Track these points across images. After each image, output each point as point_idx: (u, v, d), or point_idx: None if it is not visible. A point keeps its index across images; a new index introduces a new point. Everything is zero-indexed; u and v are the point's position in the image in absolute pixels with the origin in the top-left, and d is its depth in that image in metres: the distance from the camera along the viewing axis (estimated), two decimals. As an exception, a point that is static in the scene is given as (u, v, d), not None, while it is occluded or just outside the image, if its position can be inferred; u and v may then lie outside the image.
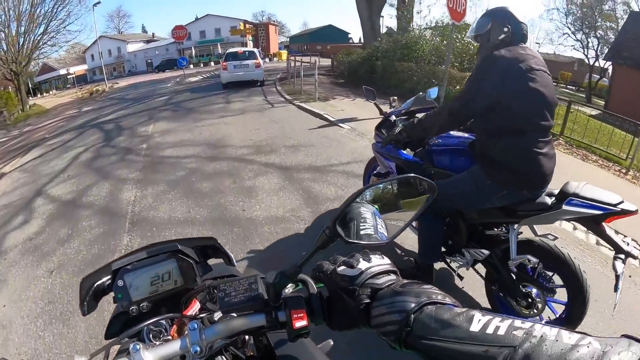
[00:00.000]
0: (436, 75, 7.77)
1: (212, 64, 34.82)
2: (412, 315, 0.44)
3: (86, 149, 6.29)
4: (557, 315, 1.78)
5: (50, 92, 32.86)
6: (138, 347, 0.52)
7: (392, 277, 0.54)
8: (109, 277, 0.71)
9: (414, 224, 2.27)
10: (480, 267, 1.96)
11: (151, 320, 0.64)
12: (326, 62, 17.08)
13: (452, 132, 2.00)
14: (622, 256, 1.48)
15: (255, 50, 12.44)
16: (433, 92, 2.44)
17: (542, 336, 0.35)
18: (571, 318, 1.67)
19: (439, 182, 1.77)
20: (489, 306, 1.94)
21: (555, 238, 1.72)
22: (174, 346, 0.54)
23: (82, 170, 5.10)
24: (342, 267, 0.55)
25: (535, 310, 1.73)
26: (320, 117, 6.52)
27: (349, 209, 0.60)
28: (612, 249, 1.53)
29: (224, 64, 11.29)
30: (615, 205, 1.47)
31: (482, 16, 1.79)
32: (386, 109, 2.58)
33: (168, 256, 0.71)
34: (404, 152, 2.17)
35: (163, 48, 42.26)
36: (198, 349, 0.53)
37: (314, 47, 41.70)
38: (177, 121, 7.60)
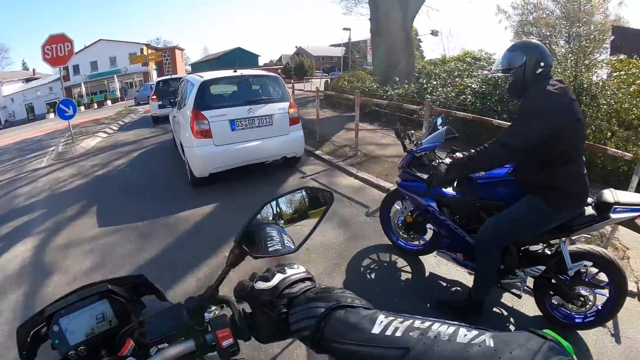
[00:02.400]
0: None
1: (109, 102, 30.43)
2: (323, 320, 0.48)
3: None
4: (600, 308, 2.05)
5: None
6: None
7: (307, 283, 0.58)
8: (44, 323, 0.70)
9: (459, 256, 2.46)
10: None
11: None
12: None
13: None
14: None
15: (275, 76, 5.10)
16: (438, 122, 2.61)
17: (436, 336, 0.36)
18: (615, 308, 1.99)
19: (497, 220, 1.96)
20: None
21: (588, 239, 2.07)
22: None
23: None
24: (259, 282, 0.58)
25: (588, 306, 2.03)
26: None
27: (255, 230, 0.65)
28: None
29: (202, 116, 4.25)
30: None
31: (512, 50, 1.84)
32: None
33: (99, 297, 0.71)
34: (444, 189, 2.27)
35: (46, 87, 35.32)
36: None
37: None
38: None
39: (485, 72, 6.55)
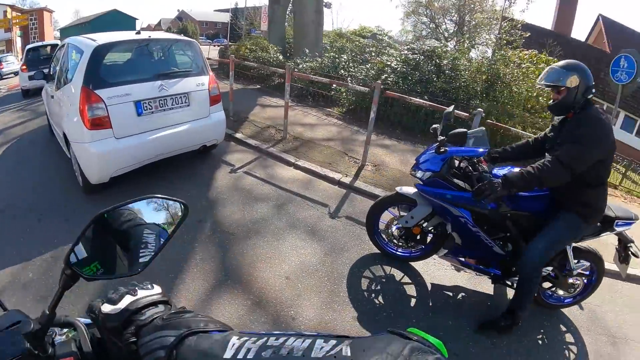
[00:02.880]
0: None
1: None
2: (174, 350, 0.44)
3: None
4: (584, 289, 2.38)
5: None
6: None
7: (160, 308, 0.54)
8: None
9: (470, 261, 2.36)
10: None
11: None
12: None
13: None
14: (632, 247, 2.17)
15: (191, 41, 3.77)
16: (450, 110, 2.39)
17: (289, 352, 0.35)
18: (596, 288, 2.31)
19: (544, 244, 1.94)
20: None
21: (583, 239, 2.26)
22: None
23: None
24: (106, 304, 0.53)
25: (576, 290, 2.32)
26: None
27: (93, 247, 0.58)
28: (627, 242, 2.19)
29: (96, 97, 2.80)
30: (635, 219, 2.11)
31: (568, 69, 1.84)
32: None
33: None
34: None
35: None
36: None
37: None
38: None
39: (406, 52, 6.62)
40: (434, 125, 2.34)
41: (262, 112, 6.29)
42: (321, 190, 3.80)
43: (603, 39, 18.03)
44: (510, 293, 2.54)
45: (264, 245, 2.72)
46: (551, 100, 1.98)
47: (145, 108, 3.11)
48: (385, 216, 2.65)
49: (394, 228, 2.61)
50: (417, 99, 3.92)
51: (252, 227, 2.93)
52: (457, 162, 2.23)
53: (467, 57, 6.13)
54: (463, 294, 2.53)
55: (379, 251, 2.77)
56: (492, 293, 2.57)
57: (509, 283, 2.31)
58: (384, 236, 2.72)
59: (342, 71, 6.91)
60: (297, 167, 4.30)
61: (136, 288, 0.55)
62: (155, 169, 3.66)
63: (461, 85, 5.73)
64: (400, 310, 2.30)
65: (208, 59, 9.73)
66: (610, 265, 2.36)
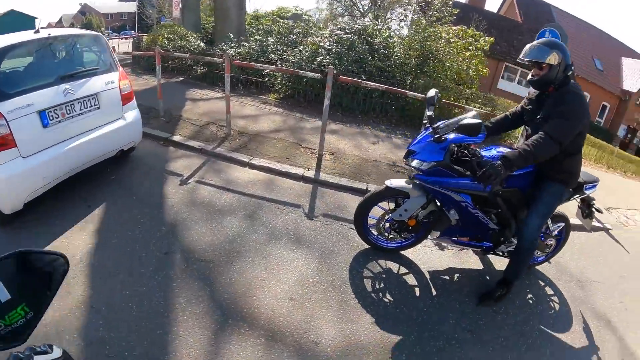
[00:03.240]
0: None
1: None
2: None
3: None
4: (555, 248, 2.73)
5: None
6: None
7: None
8: None
9: (463, 239, 2.47)
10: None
11: None
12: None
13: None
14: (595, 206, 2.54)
15: (96, 35, 3.22)
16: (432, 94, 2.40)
17: None
18: (563, 246, 2.69)
19: (538, 218, 2.12)
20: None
21: None
22: None
23: None
24: None
25: (549, 249, 2.64)
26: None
27: None
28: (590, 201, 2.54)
29: None
30: (597, 181, 2.43)
31: (551, 47, 1.94)
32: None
33: None
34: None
35: None
36: None
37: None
38: None
39: (338, 32, 6.39)
40: (428, 113, 2.28)
41: (195, 107, 5.49)
42: (287, 189, 3.53)
43: (515, 10, 20.47)
44: (495, 263, 2.77)
45: (252, 267, 2.39)
46: (531, 76, 2.07)
47: (51, 117, 2.58)
48: (375, 211, 2.57)
49: (386, 223, 2.55)
50: (372, 83, 3.86)
51: (230, 249, 2.55)
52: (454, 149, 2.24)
53: (397, 34, 6.30)
54: (456, 273, 2.66)
55: (368, 246, 2.71)
56: (480, 267, 2.76)
57: (499, 253, 2.48)
58: (374, 231, 2.66)
59: (273, 55, 6.44)
60: (252, 166, 3.90)
61: (32, 354, 0.51)
62: (79, 184, 2.93)
63: (396, 63, 5.89)
64: (410, 303, 2.30)
65: (119, 53, 8.12)
66: (574, 221, 2.74)
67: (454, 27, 6.73)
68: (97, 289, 2.07)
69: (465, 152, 2.19)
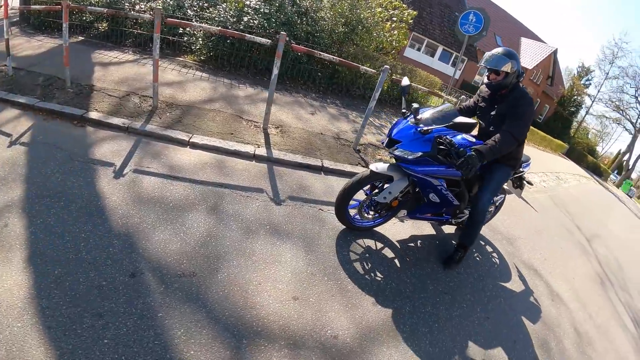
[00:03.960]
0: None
1: None
2: None
3: None
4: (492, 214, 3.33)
5: None
6: None
7: None
8: None
9: (429, 215, 2.78)
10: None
11: None
12: None
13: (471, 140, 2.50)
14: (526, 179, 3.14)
15: None
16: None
17: None
18: (498, 211, 3.31)
19: (490, 192, 2.55)
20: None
21: None
22: None
23: None
24: None
25: (490, 214, 3.22)
26: None
27: None
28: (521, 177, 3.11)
29: None
30: (530, 160, 2.98)
31: (508, 56, 2.31)
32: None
33: None
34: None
35: None
36: None
37: None
38: None
39: None
40: (415, 105, 2.34)
41: (108, 74, 4.18)
42: (242, 172, 3.19)
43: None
44: (446, 229, 3.20)
45: (240, 271, 2.15)
46: (487, 79, 2.44)
47: None
48: (357, 194, 2.60)
49: (370, 205, 2.62)
50: (327, 55, 3.61)
51: (207, 254, 2.20)
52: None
53: None
54: (419, 240, 2.99)
55: (343, 227, 2.77)
56: (433, 232, 3.16)
57: (454, 222, 2.88)
58: (352, 212, 2.70)
59: (190, 12, 5.32)
60: (194, 145, 3.34)
61: None
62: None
63: (324, 29, 5.62)
64: (396, 277, 2.50)
65: (13, 9, 5.45)
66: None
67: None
68: (61, 350, 1.52)
69: (441, 140, 2.37)
